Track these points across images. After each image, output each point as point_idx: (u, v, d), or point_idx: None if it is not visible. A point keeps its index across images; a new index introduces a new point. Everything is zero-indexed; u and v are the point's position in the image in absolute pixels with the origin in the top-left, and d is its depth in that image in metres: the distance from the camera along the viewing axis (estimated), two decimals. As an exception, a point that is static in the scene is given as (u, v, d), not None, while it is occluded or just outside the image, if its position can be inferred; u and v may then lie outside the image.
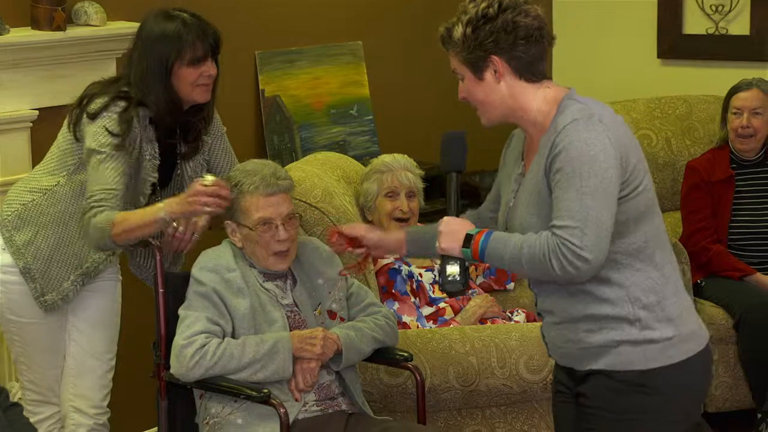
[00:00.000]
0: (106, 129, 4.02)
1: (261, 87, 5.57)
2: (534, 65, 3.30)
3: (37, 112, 4.59)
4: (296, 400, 3.99)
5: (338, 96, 5.91)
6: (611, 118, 3.24)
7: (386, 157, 4.92)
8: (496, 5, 3.27)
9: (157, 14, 4.11)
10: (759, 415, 5.51)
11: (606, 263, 3.17)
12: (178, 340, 3.97)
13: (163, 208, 3.92)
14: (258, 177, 4.07)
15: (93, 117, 4.05)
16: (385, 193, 4.84)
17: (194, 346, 3.93)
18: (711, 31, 6.57)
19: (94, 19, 4.74)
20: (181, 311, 4.03)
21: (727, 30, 6.54)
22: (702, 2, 6.58)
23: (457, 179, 3.49)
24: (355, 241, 3.63)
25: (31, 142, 4.59)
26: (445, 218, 3.39)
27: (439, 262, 3.43)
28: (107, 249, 4.08)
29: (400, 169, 4.86)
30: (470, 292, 4.88)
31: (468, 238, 3.29)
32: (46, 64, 4.62)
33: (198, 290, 4.04)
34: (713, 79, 6.34)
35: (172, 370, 3.99)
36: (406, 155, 4.93)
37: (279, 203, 4.08)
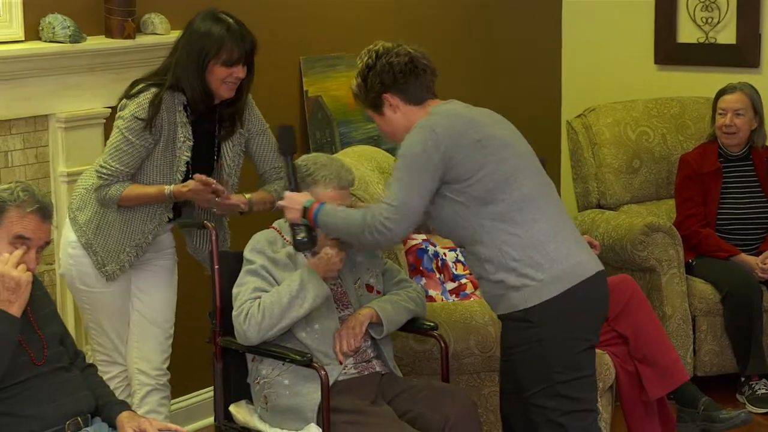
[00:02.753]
0: (135, 116, 4.06)
1: (305, 88, 5.56)
2: (416, 92, 3.73)
3: (109, 110, 4.59)
4: (340, 362, 3.98)
5: (373, 96, 5.89)
6: (449, 132, 3.60)
7: None
8: (373, 55, 3.74)
9: (207, 13, 4.13)
10: (742, 379, 5.50)
11: (478, 228, 3.58)
12: (233, 313, 3.97)
13: (170, 188, 4.10)
14: (333, 172, 4.03)
15: (129, 98, 4.11)
16: None
17: (243, 313, 3.93)
18: (701, 41, 6.53)
19: (160, 28, 4.74)
20: (234, 290, 4.02)
21: (715, 39, 6.49)
22: (694, 15, 6.53)
23: (291, 159, 3.92)
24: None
25: (105, 136, 4.59)
26: (286, 193, 3.86)
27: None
28: (110, 207, 4.18)
29: None
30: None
31: (305, 210, 3.77)
32: (118, 68, 4.62)
33: (248, 268, 4.03)
34: (703, 83, 6.30)
35: (238, 340, 3.98)
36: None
37: (345, 196, 4.05)
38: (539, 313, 3.56)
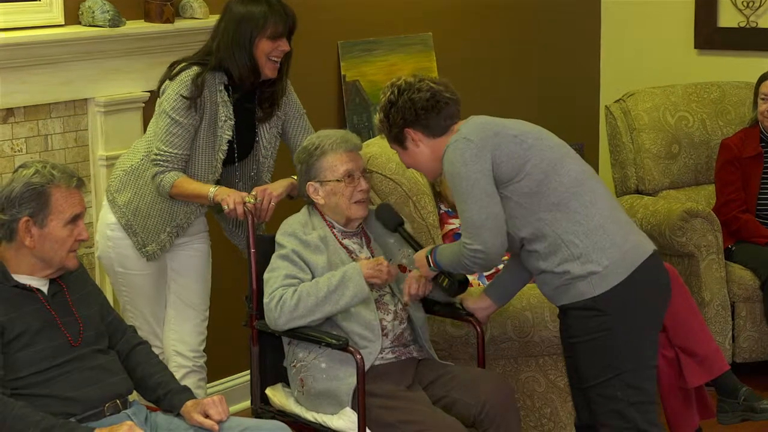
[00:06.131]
0: (180, 95, 4.08)
1: (342, 72, 5.56)
2: (439, 124, 3.73)
3: (148, 94, 4.61)
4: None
5: (410, 81, 5.88)
6: (481, 135, 3.62)
7: None
8: (396, 91, 3.76)
9: None
10: (783, 365, 5.47)
11: (537, 224, 3.59)
12: (264, 299, 3.98)
13: (213, 191, 4.09)
14: (338, 137, 4.10)
15: (172, 78, 4.13)
16: None
17: (275, 299, 3.94)
18: (742, 25, 6.48)
19: (198, 12, 4.76)
20: (265, 275, 4.03)
21: (757, 23, 6.44)
22: (735, -1, 6.49)
23: (403, 229, 4.10)
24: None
25: (143, 120, 4.61)
26: (414, 255, 3.98)
27: None
28: (164, 196, 4.19)
29: None
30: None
31: (427, 259, 3.87)
32: (156, 52, 4.63)
33: (279, 253, 4.04)
34: (744, 68, 6.25)
35: (268, 326, 3.99)
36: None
37: (357, 158, 4.11)
38: (608, 301, 3.57)
